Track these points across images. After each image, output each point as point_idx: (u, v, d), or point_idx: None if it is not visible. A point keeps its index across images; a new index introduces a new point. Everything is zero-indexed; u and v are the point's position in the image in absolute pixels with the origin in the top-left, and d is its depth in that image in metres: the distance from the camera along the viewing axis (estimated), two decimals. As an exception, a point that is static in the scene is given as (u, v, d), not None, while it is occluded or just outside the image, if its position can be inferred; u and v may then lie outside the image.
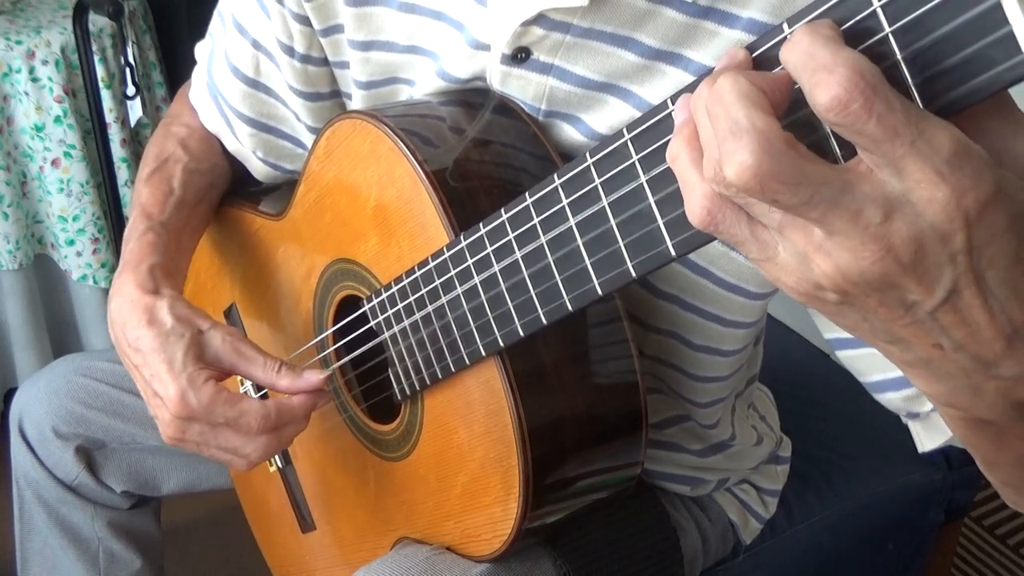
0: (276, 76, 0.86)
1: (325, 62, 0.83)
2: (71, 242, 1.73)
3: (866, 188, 0.37)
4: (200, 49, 0.95)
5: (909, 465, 1.11)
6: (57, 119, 1.65)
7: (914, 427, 0.69)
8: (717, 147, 0.38)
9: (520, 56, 0.68)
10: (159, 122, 0.98)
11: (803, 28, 0.37)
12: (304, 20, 0.79)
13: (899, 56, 0.36)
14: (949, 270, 0.37)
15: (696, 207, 0.41)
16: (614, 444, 0.71)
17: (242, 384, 0.80)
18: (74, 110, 1.66)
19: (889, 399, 0.68)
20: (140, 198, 0.86)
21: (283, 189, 0.95)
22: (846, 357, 0.70)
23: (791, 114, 0.40)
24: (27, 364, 1.75)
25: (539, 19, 0.65)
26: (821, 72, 0.35)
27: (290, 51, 0.82)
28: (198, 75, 0.95)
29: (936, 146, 0.35)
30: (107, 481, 1.03)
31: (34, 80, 1.63)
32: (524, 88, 0.69)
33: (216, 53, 0.90)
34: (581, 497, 0.73)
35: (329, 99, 0.85)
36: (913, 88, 0.36)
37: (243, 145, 0.92)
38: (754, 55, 0.41)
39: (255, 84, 0.88)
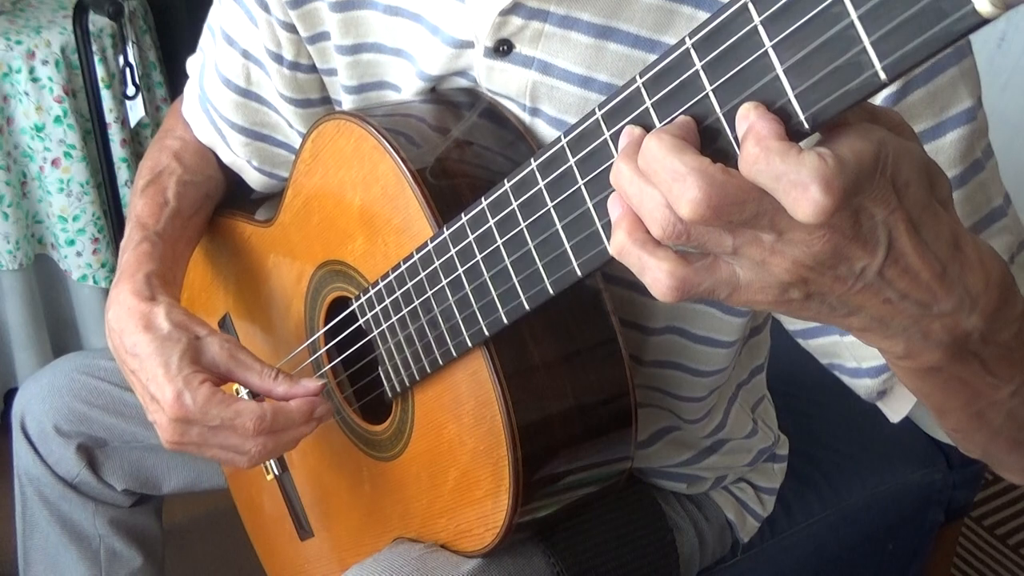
0: (267, 84, 0.87)
1: (314, 69, 0.83)
2: (71, 242, 1.73)
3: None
4: (192, 63, 0.96)
5: (909, 465, 1.11)
6: (57, 119, 1.65)
7: (883, 404, 0.71)
8: (664, 198, 0.42)
9: (503, 49, 0.68)
10: (159, 122, 0.98)
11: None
12: (291, 28, 0.80)
13: (854, 16, 0.37)
14: (882, 229, 0.42)
15: (664, 287, 0.43)
16: (604, 433, 0.71)
17: (238, 392, 0.80)
18: (74, 110, 1.66)
19: (866, 385, 0.69)
20: (135, 210, 0.86)
21: (274, 197, 0.94)
22: (817, 345, 0.71)
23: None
24: (27, 364, 1.75)
25: (516, 8, 0.66)
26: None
27: (279, 59, 0.83)
28: (190, 89, 0.95)
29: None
30: (108, 479, 1.03)
31: (34, 80, 1.63)
32: (507, 83, 0.70)
33: (207, 66, 0.91)
34: (572, 489, 0.73)
35: (320, 105, 0.86)
36: (869, 45, 0.37)
37: (238, 155, 0.92)
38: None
39: (246, 93, 0.88)
